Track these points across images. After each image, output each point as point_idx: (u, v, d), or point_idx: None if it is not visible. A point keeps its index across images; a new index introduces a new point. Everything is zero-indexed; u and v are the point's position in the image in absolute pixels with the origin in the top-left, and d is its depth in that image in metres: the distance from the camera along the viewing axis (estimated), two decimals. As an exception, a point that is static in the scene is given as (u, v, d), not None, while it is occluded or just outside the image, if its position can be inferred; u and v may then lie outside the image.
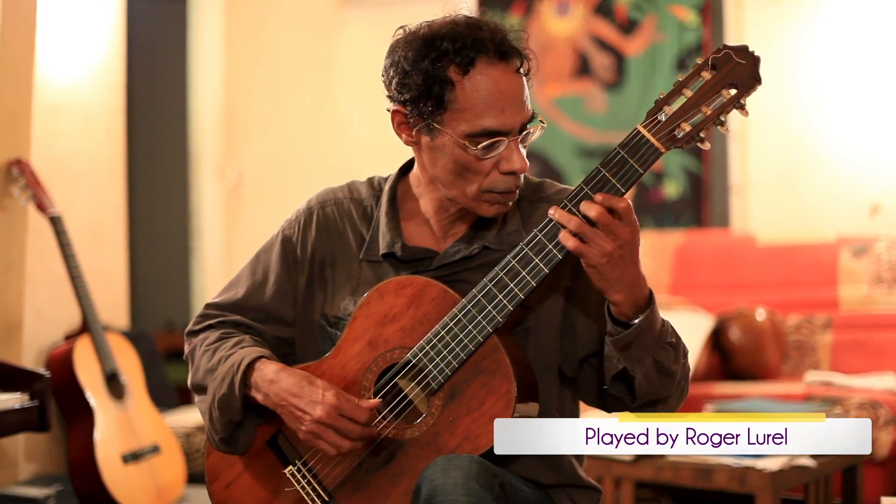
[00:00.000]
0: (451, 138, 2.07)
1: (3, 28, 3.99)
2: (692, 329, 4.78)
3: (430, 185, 2.20)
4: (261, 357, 2.18)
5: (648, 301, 2.02)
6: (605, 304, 2.05)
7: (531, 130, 2.10)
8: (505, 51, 2.06)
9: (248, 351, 2.20)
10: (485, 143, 2.05)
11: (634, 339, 2.02)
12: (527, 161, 2.10)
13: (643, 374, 2.07)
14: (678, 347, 2.12)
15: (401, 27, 2.14)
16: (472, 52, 2.04)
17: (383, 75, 2.14)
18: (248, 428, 2.23)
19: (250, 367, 2.17)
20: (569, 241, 1.96)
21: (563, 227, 1.97)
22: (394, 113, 2.14)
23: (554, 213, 1.99)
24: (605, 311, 2.05)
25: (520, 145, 2.09)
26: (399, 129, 2.16)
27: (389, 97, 2.14)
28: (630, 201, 1.98)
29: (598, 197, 1.96)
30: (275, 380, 2.14)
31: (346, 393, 2.13)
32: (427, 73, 2.05)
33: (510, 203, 2.14)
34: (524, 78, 2.09)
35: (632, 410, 2.19)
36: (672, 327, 2.12)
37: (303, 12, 6.69)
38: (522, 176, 2.15)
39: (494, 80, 2.05)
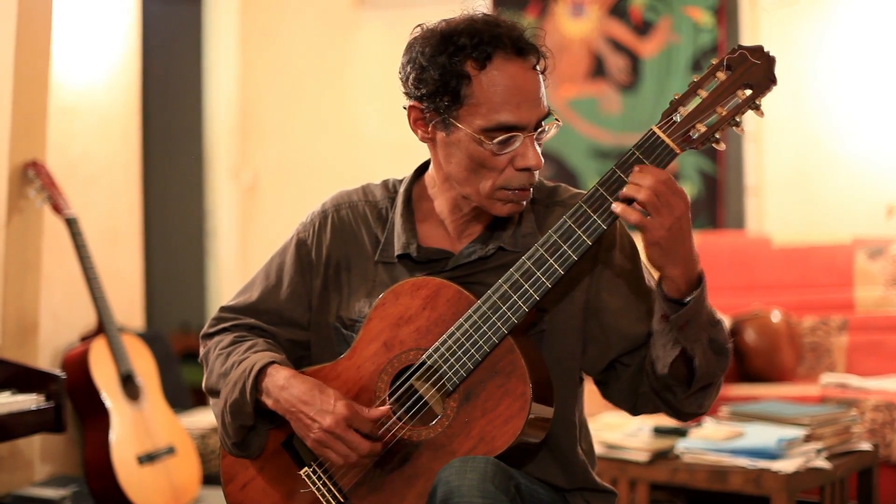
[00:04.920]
0: (467, 133, 2.07)
1: (18, 30, 4.01)
2: (707, 331, 4.77)
3: (444, 184, 2.20)
4: (273, 362, 2.18)
5: (700, 277, 2.02)
6: (644, 288, 2.06)
7: (546, 128, 2.10)
8: (522, 47, 2.07)
9: (260, 356, 2.20)
10: (500, 138, 2.05)
11: (692, 316, 2.02)
12: (542, 158, 2.09)
13: (702, 354, 2.06)
14: (725, 325, 2.12)
15: (419, 25, 2.15)
16: (490, 48, 2.05)
17: (400, 72, 2.15)
18: (260, 432, 2.23)
19: (262, 371, 2.17)
20: (632, 216, 1.96)
21: (633, 199, 1.96)
22: (410, 109, 2.15)
23: (626, 186, 1.97)
24: (658, 292, 2.04)
25: (535, 142, 2.09)
26: (415, 125, 2.16)
27: (406, 94, 2.15)
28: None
29: (637, 169, 1.96)
30: (286, 386, 2.14)
31: (361, 397, 2.14)
32: (444, 68, 2.06)
33: (524, 202, 2.14)
34: (541, 75, 2.10)
35: (680, 401, 2.15)
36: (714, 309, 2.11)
37: (317, 14, 6.70)
38: (537, 177, 2.15)
39: (511, 76, 2.05)
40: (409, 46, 2.13)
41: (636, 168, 1.96)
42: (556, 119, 2.12)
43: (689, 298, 2.02)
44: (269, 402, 2.16)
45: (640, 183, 1.95)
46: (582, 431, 2.29)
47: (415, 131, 2.17)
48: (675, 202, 1.95)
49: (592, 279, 2.18)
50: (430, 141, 2.16)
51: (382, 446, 2.11)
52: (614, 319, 2.17)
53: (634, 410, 2.25)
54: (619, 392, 2.24)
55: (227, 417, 2.20)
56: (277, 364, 2.18)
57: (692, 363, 2.08)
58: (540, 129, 2.09)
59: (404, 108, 2.16)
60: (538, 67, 2.09)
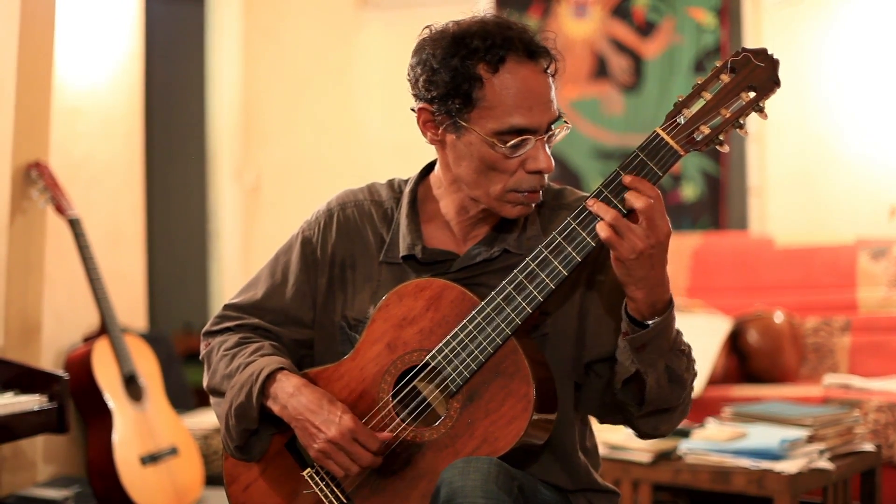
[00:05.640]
0: (479, 136, 2.07)
1: (22, 31, 4.01)
2: (710, 331, 4.77)
3: (451, 186, 2.20)
4: (282, 368, 2.18)
5: (667, 305, 2.02)
6: (623, 302, 2.04)
7: (556, 131, 2.10)
8: (534, 50, 2.07)
9: (268, 360, 2.20)
10: (512, 142, 2.05)
11: (650, 340, 2.02)
12: (552, 161, 2.10)
13: (655, 379, 2.07)
14: (690, 357, 2.12)
15: (427, 26, 2.14)
16: (502, 51, 2.05)
17: (409, 74, 2.14)
18: (263, 437, 2.23)
19: (270, 377, 2.17)
20: (603, 231, 1.95)
21: (601, 218, 1.96)
22: (420, 111, 2.14)
23: (592, 204, 1.98)
24: (623, 309, 2.05)
25: (545, 145, 2.09)
26: (424, 127, 2.16)
27: (416, 96, 2.14)
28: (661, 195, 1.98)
29: (627, 178, 1.96)
30: (295, 393, 2.14)
31: (364, 398, 2.14)
32: (456, 71, 2.06)
33: (533, 205, 2.13)
34: (551, 78, 2.10)
35: (635, 420, 2.18)
36: (684, 338, 2.11)
37: (320, 14, 6.70)
38: (547, 180, 2.15)
39: (523, 79, 2.06)
40: (419, 48, 2.13)
41: (628, 180, 1.96)
42: (566, 122, 2.13)
43: (650, 322, 2.01)
44: (275, 407, 2.16)
45: (633, 201, 1.95)
46: (585, 432, 2.29)
47: (424, 133, 2.17)
48: (656, 228, 1.96)
49: (590, 282, 2.18)
50: (440, 143, 2.16)
51: (385, 448, 2.11)
52: (596, 324, 2.18)
53: (601, 419, 2.26)
54: (588, 400, 2.24)
55: (232, 420, 2.20)
56: (286, 370, 2.18)
57: (645, 385, 2.09)
58: (550, 133, 2.09)
59: (412, 109, 2.16)
60: (549, 70, 2.10)
